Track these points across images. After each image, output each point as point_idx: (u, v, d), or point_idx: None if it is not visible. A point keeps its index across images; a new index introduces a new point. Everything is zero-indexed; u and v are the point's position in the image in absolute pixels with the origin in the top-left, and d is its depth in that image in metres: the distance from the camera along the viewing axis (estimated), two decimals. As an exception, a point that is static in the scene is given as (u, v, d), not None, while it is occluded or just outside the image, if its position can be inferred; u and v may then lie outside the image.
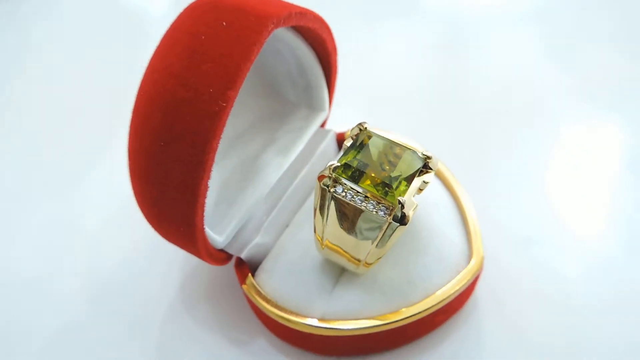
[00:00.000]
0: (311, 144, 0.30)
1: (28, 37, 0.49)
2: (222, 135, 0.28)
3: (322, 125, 0.32)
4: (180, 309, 0.28)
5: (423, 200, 0.27)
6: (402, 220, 0.20)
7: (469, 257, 0.25)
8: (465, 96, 0.40)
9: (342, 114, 0.36)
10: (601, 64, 0.41)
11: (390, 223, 0.20)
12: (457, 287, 0.24)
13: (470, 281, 0.25)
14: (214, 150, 0.19)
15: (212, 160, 0.19)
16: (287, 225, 0.27)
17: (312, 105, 0.31)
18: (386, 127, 0.37)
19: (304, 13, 0.22)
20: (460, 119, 0.38)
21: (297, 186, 0.28)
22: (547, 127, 0.37)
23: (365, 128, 0.22)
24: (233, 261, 0.27)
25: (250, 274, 0.25)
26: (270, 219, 0.27)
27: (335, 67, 0.30)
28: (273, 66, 0.29)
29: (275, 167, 0.28)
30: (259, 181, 0.27)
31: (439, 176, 0.29)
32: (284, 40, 0.26)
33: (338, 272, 0.25)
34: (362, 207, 0.20)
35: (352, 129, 0.23)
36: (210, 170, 0.20)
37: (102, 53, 0.47)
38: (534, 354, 0.25)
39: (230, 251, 0.25)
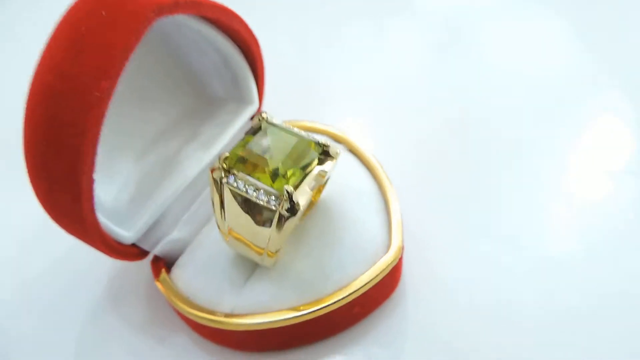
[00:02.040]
0: (238, 137, 0.29)
1: None
2: (143, 132, 0.28)
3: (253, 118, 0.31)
4: (106, 308, 0.28)
5: (344, 188, 0.27)
6: (292, 210, 0.19)
7: (388, 247, 0.25)
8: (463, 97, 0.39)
9: (344, 110, 0.37)
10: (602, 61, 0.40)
11: (280, 213, 0.20)
12: (372, 278, 0.24)
13: (387, 271, 0.24)
14: (93, 142, 0.19)
15: (93, 152, 0.19)
16: (208, 220, 0.27)
17: (240, 98, 0.30)
18: (386, 122, 0.37)
19: (198, 2, 0.22)
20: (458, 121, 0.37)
21: (220, 180, 0.28)
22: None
23: (265, 118, 0.22)
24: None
25: (164, 270, 0.25)
26: (189, 214, 0.26)
27: (260, 58, 0.29)
28: (197, 61, 0.29)
29: (195, 161, 0.27)
30: (177, 176, 0.27)
31: (367, 166, 0.29)
32: (200, 33, 0.26)
33: (251, 268, 0.24)
34: (253, 198, 0.20)
35: (253, 118, 0.22)
36: (92, 164, 0.19)
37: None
38: (454, 350, 0.25)
39: (144, 246, 0.25)
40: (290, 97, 0.37)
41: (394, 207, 0.26)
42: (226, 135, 0.29)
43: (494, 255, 0.28)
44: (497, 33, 0.44)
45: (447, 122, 0.37)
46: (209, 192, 0.27)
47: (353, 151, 0.30)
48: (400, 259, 0.25)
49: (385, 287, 0.25)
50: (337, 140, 0.30)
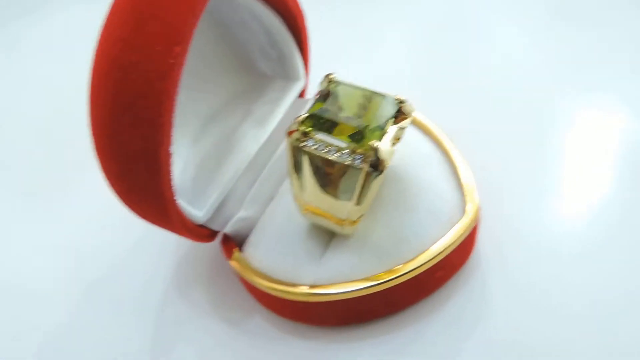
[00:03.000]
0: (290, 114, 0.29)
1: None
2: (197, 114, 0.28)
3: (302, 94, 0.31)
4: (175, 295, 0.27)
5: (411, 156, 0.26)
6: (378, 166, 0.19)
7: (463, 210, 0.24)
8: (470, 73, 0.38)
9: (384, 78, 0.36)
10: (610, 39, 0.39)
11: (366, 171, 0.19)
12: (453, 240, 0.23)
13: (466, 234, 0.23)
14: (170, 111, 0.18)
15: (170, 123, 0.19)
16: (272, 197, 0.26)
17: (287, 76, 0.30)
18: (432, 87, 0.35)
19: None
20: (465, 95, 0.36)
21: (278, 157, 0.27)
22: (549, 99, 0.35)
23: (333, 79, 0.21)
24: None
25: (236, 249, 0.24)
26: (253, 191, 0.26)
27: (305, 32, 0.29)
28: (243, 40, 0.28)
29: (253, 139, 0.27)
30: (237, 155, 0.26)
31: (428, 133, 0.28)
32: (247, 8, 0.25)
33: (328, 237, 0.24)
34: (336, 158, 0.19)
35: (322, 81, 0.21)
36: (170, 135, 0.19)
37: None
38: (539, 309, 0.24)
39: (214, 227, 0.24)
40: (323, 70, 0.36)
41: (462, 170, 0.25)
42: (278, 112, 0.28)
43: (569, 211, 0.27)
44: (500, 13, 0.43)
45: (452, 98, 0.36)
46: (269, 170, 0.27)
47: (413, 122, 0.29)
48: (478, 221, 0.24)
49: (464, 249, 0.24)
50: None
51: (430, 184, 0.25)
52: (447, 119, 0.30)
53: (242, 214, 0.25)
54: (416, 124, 0.28)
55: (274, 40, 0.28)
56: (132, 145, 0.19)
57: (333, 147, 0.19)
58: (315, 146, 0.19)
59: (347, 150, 0.19)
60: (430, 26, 0.42)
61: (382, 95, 0.21)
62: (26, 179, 0.36)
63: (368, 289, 0.22)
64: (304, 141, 0.20)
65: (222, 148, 0.26)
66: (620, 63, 0.36)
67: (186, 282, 0.28)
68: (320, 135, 0.20)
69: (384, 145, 0.19)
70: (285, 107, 0.29)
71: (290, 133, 0.20)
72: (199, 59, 0.27)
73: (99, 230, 0.31)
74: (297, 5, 0.27)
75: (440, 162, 0.26)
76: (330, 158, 0.19)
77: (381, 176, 0.19)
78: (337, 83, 0.21)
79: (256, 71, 0.30)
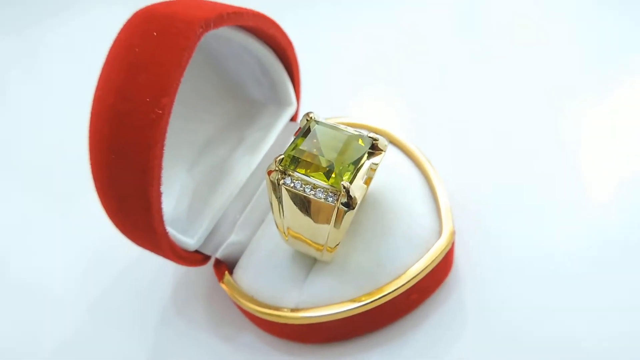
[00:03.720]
0: (281, 139, 0.30)
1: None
2: (193, 142, 0.30)
3: (294, 118, 0.32)
4: (173, 313, 0.30)
5: (391, 180, 0.27)
6: (349, 204, 0.20)
7: (439, 233, 0.25)
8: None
9: (368, 100, 0.38)
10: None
11: (338, 208, 0.20)
12: (427, 264, 0.24)
13: (441, 257, 0.24)
14: (158, 157, 0.20)
15: (159, 167, 0.20)
16: (262, 221, 0.28)
17: (279, 102, 0.31)
18: (415, 109, 0.37)
19: (239, 13, 0.23)
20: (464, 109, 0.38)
21: (269, 182, 0.29)
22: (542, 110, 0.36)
23: (312, 118, 0.23)
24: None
25: (227, 272, 0.26)
26: (244, 216, 0.27)
27: (295, 60, 0.30)
28: (236, 69, 0.30)
29: (245, 166, 0.28)
30: (229, 181, 0.28)
31: (409, 155, 0.29)
32: (238, 43, 0.27)
33: (310, 263, 0.25)
34: (311, 196, 0.21)
35: (301, 119, 0.23)
36: (159, 177, 0.21)
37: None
38: (514, 329, 0.25)
39: (206, 252, 0.26)
40: (311, 94, 0.38)
41: (440, 193, 0.27)
42: (270, 138, 0.30)
43: (545, 231, 0.29)
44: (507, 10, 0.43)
45: (478, 100, 0.37)
46: (260, 195, 0.28)
47: (393, 142, 0.30)
48: (453, 244, 0.26)
49: (440, 272, 0.26)
50: (377, 133, 0.30)
51: (407, 209, 0.26)
52: (428, 141, 0.32)
53: (233, 238, 0.27)
54: (399, 146, 0.30)
55: (265, 69, 0.30)
56: (125, 186, 0.21)
57: (309, 184, 0.21)
58: (292, 184, 0.21)
59: (322, 188, 0.21)
60: (413, 51, 0.43)
61: (357, 134, 0.22)
62: (50, 181, 0.38)
63: (346, 312, 0.23)
64: (282, 179, 0.21)
65: (215, 175, 0.28)
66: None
67: (183, 300, 0.30)
68: (298, 174, 0.21)
69: (355, 183, 0.21)
70: (276, 133, 0.30)
71: (269, 172, 0.21)
72: (194, 90, 0.29)
73: (101, 249, 0.33)
74: (286, 38, 0.28)
75: (420, 185, 0.27)
76: (306, 195, 0.21)
77: (352, 212, 0.20)
78: (316, 122, 0.23)
79: (249, 98, 0.31)
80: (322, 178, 0.21)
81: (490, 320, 0.26)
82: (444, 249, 0.25)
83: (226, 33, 0.25)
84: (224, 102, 0.31)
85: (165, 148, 0.27)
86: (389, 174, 0.27)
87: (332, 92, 0.41)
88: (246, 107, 0.31)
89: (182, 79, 0.27)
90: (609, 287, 0.26)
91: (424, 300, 0.26)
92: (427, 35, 0.44)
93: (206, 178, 0.28)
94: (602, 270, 0.27)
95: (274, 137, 0.30)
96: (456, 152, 0.34)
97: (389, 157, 0.29)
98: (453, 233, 0.25)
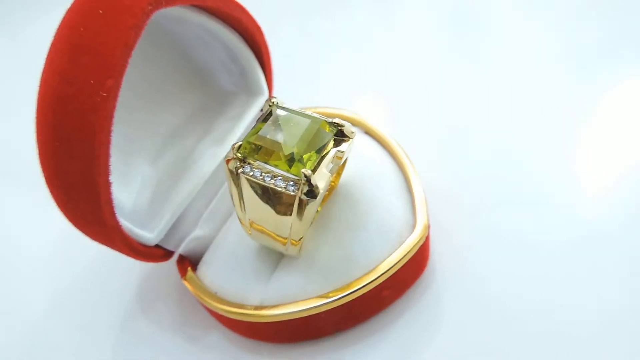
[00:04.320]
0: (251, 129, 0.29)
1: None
2: (156, 133, 0.28)
3: (265, 109, 0.31)
4: (137, 313, 0.28)
5: (365, 171, 0.26)
6: (311, 193, 0.19)
7: (413, 227, 0.24)
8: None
9: (353, 92, 0.37)
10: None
11: (300, 198, 0.19)
12: (400, 258, 0.23)
13: (414, 251, 0.23)
14: (104, 144, 0.19)
15: (106, 155, 0.19)
16: (229, 215, 0.27)
17: (250, 91, 0.30)
18: (396, 102, 0.36)
19: (196, -8, 0.21)
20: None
21: (237, 174, 0.27)
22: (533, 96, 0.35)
23: (275, 103, 0.21)
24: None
25: (190, 268, 0.25)
26: (209, 210, 0.26)
27: (265, 47, 0.29)
28: (203, 57, 0.29)
29: (210, 157, 0.27)
30: (193, 174, 0.26)
31: (386, 147, 0.28)
32: (201, 26, 0.25)
33: (277, 258, 0.24)
34: (271, 185, 0.19)
35: (264, 105, 0.22)
36: (106, 165, 0.19)
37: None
38: (492, 321, 0.24)
39: (168, 247, 0.25)
40: (296, 84, 0.37)
41: (415, 186, 0.25)
42: (239, 129, 0.28)
43: (521, 226, 0.27)
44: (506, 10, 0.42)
45: (462, 96, 0.36)
46: (227, 188, 0.27)
47: (369, 133, 0.29)
48: (427, 238, 0.24)
49: (413, 267, 0.25)
50: (352, 123, 0.29)
51: (381, 200, 0.25)
52: (407, 134, 0.30)
53: (197, 233, 0.25)
54: (374, 137, 0.28)
55: (233, 55, 0.28)
56: (72, 176, 0.19)
57: (269, 173, 0.20)
58: (252, 173, 0.20)
59: (282, 177, 0.19)
60: (390, 43, 0.42)
61: (322, 120, 0.21)
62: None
63: (314, 309, 0.22)
64: (241, 167, 0.20)
65: (179, 167, 0.27)
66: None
67: (150, 299, 0.28)
68: (258, 162, 0.20)
69: (319, 172, 0.20)
70: (246, 123, 0.29)
71: (228, 161, 0.20)
72: (156, 79, 0.27)
73: (68, 246, 0.32)
74: (253, 22, 0.27)
75: (395, 177, 0.26)
76: (266, 185, 0.19)
77: (314, 202, 0.19)
78: (278, 107, 0.21)
79: (218, 87, 0.30)
80: (283, 166, 0.20)
81: (469, 315, 0.24)
82: (417, 243, 0.23)
83: (186, 15, 0.23)
84: (191, 91, 0.29)
85: (125, 141, 0.26)
86: (362, 165, 0.26)
87: (310, 83, 0.39)
88: (215, 96, 0.30)
89: (143, 68, 0.26)
90: (592, 279, 0.25)
91: (398, 297, 0.25)
92: (413, 30, 0.42)
93: (170, 171, 0.27)
94: (584, 262, 0.26)
95: (243, 128, 0.29)
96: (436, 146, 0.32)
97: (363, 148, 0.28)
98: (427, 226, 0.24)
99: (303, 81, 0.38)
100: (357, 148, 0.27)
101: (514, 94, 0.35)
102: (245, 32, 0.27)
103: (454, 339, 0.24)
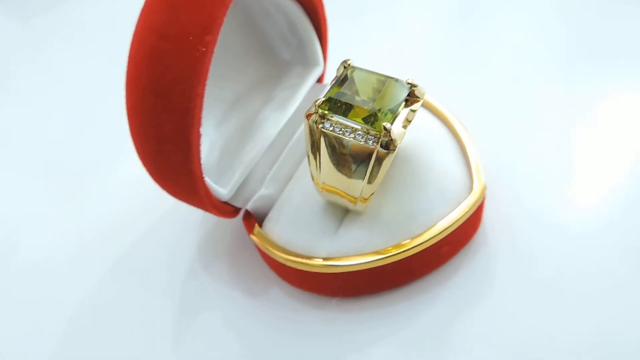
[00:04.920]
0: (309, 98, 0.30)
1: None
2: (221, 99, 0.30)
3: (320, 80, 0.32)
4: (199, 268, 0.30)
5: (423, 139, 0.27)
6: (389, 146, 0.20)
7: (470, 188, 0.25)
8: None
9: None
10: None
11: (378, 151, 0.20)
12: (458, 217, 0.24)
13: (472, 211, 0.25)
14: (200, 96, 0.20)
15: (200, 106, 0.20)
16: (291, 177, 0.28)
17: (306, 62, 0.31)
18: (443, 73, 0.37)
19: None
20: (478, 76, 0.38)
21: (297, 139, 0.29)
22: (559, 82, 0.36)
23: (349, 64, 0.23)
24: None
25: (257, 225, 0.26)
26: (273, 171, 0.28)
27: (324, 20, 0.30)
28: (265, 28, 0.30)
29: (274, 122, 0.28)
30: (259, 137, 0.28)
31: (439, 116, 0.29)
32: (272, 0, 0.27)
33: (342, 214, 0.26)
34: (351, 139, 0.21)
35: (339, 67, 0.23)
36: (200, 117, 0.21)
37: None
38: (544, 285, 0.25)
39: (236, 204, 0.26)
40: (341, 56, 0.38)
41: (470, 151, 0.27)
42: (298, 97, 0.30)
43: (575, 193, 0.29)
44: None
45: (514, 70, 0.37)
46: (289, 151, 0.29)
47: (425, 105, 0.30)
48: (484, 199, 0.26)
49: (470, 226, 0.26)
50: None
51: (439, 165, 0.26)
52: (460, 103, 0.32)
53: (262, 192, 0.27)
54: (429, 108, 0.30)
55: (294, 28, 0.30)
56: (165, 127, 0.21)
57: (348, 128, 0.21)
58: (332, 128, 0.21)
59: (361, 131, 0.21)
60: (446, 13, 0.43)
61: (395, 80, 0.22)
62: (64, 159, 0.39)
63: (377, 262, 0.24)
64: (321, 123, 0.21)
65: (244, 131, 0.28)
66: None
67: (210, 257, 0.30)
68: (337, 118, 0.21)
69: (395, 127, 0.21)
70: (304, 92, 0.30)
71: (308, 116, 0.21)
72: (224, 47, 0.28)
73: (128, 208, 0.34)
74: None
75: (451, 144, 0.28)
76: (346, 138, 0.21)
77: (392, 155, 0.21)
78: (354, 68, 0.23)
79: (277, 58, 0.31)
80: (360, 122, 0.21)
81: (519, 275, 0.26)
82: (474, 203, 0.25)
83: (261, -16, 0.25)
84: (254, 60, 0.30)
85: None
86: (418, 133, 0.27)
87: (362, 55, 0.41)
88: (274, 66, 0.31)
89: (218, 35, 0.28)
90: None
91: (454, 255, 0.26)
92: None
93: (236, 134, 0.28)
94: (628, 231, 0.27)
95: (301, 96, 0.30)
96: (489, 118, 0.33)
97: (420, 118, 0.29)
98: (484, 188, 0.25)
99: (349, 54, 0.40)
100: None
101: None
102: (310, 5, 0.28)
103: (506, 293, 0.25)
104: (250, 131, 0.28)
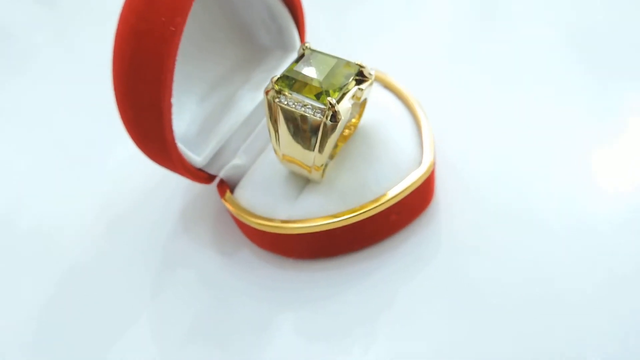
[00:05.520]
0: (285, 80, 0.33)
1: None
2: (204, 79, 0.33)
3: (297, 64, 0.35)
4: (181, 231, 0.33)
5: (382, 117, 0.30)
6: (333, 118, 0.23)
7: (420, 163, 0.28)
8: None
9: (381, 51, 0.40)
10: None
11: (324, 122, 0.23)
12: (406, 187, 0.27)
13: (419, 183, 0.27)
14: (170, 70, 0.23)
15: (171, 79, 0.23)
16: (263, 150, 0.31)
17: (285, 47, 0.34)
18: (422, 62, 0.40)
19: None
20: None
21: (271, 117, 0.32)
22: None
23: (307, 46, 0.25)
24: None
25: (228, 191, 0.29)
26: (247, 144, 0.30)
27: (300, 7, 0.33)
28: (246, 15, 0.33)
29: (250, 100, 0.31)
30: (235, 112, 0.31)
31: (402, 99, 0.32)
32: (248, -14, 0.30)
33: (303, 183, 0.28)
34: (302, 112, 0.24)
35: (298, 49, 0.26)
36: (170, 88, 0.24)
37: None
38: (489, 258, 0.28)
39: (211, 171, 0.29)
40: (324, 42, 0.40)
41: (425, 129, 0.29)
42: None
43: (523, 169, 0.31)
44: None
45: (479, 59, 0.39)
46: (262, 127, 0.31)
47: (388, 87, 0.33)
48: (432, 173, 0.28)
49: (419, 198, 0.28)
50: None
51: (394, 141, 0.29)
52: (424, 88, 0.34)
53: (235, 161, 0.30)
54: (392, 89, 0.32)
55: (273, 14, 0.32)
56: (142, 97, 0.24)
57: (300, 102, 0.24)
58: (286, 102, 0.24)
59: (311, 106, 0.23)
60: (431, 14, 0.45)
61: (346, 61, 0.25)
62: (74, 137, 0.42)
63: (329, 225, 0.26)
64: (277, 98, 0.24)
65: (223, 108, 0.31)
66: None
67: (192, 220, 0.33)
68: (292, 93, 0.24)
69: (343, 103, 0.24)
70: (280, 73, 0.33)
71: (267, 92, 0.24)
72: (206, 32, 0.31)
73: (122, 179, 0.37)
74: None
75: (408, 123, 0.30)
76: (298, 111, 0.24)
77: (338, 125, 0.23)
78: (311, 51, 0.25)
79: (257, 43, 0.34)
80: (312, 97, 0.24)
81: (462, 247, 0.28)
82: (422, 176, 0.27)
83: (237, -26, 0.28)
84: (234, 45, 0.33)
85: (179, 81, 0.30)
86: (380, 112, 0.30)
87: (337, 39, 0.43)
88: (254, 51, 0.34)
89: (196, 22, 0.31)
90: (587, 238, 0.28)
91: (405, 225, 0.29)
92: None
93: (214, 110, 0.31)
94: (579, 223, 0.29)
95: (278, 78, 0.33)
96: (454, 106, 0.36)
97: (381, 99, 0.31)
98: (433, 163, 0.28)
99: (331, 40, 0.42)
100: (376, 99, 0.31)
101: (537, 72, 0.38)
102: (285, -6, 0.31)
103: (448, 264, 0.28)
104: (228, 108, 0.31)
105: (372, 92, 0.32)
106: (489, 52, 0.40)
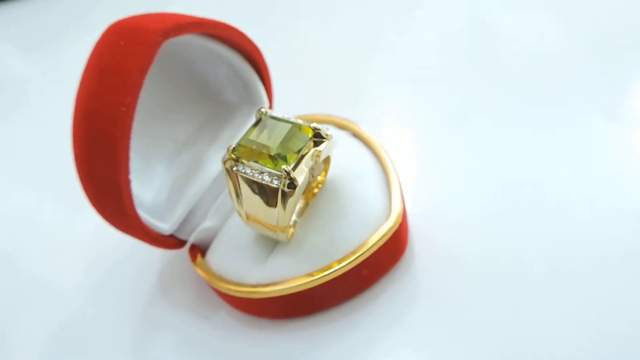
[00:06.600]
0: (253, 136, 0.33)
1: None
2: (173, 140, 0.33)
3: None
4: (159, 294, 0.33)
5: (349, 168, 0.30)
6: (291, 185, 0.23)
7: (389, 214, 0.28)
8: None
9: (357, 101, 0.41)
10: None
11: (281, 190, 0.23)
12: (375, 241, 0.26)
13: (388, 236, 0.27)
14: (124, 148, 0.23)
15: (126, 157, 0.23)
16: (234, 210, 0.31)
17: (252, 102, 0.34)
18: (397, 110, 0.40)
19: (199, 22, 0.26)
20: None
21: (240, 175, 0.32)
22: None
23: (264, 112, 0.25)
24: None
25: (200, 255, 0.29)
26: (216, 205, 0.30)
27: (264, 63, 0.33)
28: (210, 74, 0.33)
29: (217, 160, 0.31)
30: (203, 174, 0.31)
31: (371, 148, 0.32)
32: (207, 49, 0.30)
33: (272, 245, 0.28)
34: (259, 180, 0.23)
35: (255, 114, 0.26)
36: (127, 166, 0.24)
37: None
38: (468, 306, 0.27)
39: (181, 236, 0.29)
40: (296, 93, 0.41)
41: (393, 180, 0.29)
42: (240, 136, 0.32)
43: (500, 215, 0.30)
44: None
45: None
46: (231, 186, 0.31)
47: (357, 135, 0.32)
48: (402, 224, 0.28)
49: (390, 251, 0.28)
50: (341, 127, 0.33)
51: (361, 193, 0.28)
52: (396, 135, 0.34)
53: (205, 224, 0.30)
54: (361, 138, 0.32)
55: (237, 72, 0.33)
56: (100, 175, 0.24)
57: (258, 170, 0.24)
58: (244, 170, 0.24)
59: (268, 173, 0.23)
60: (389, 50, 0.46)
61: (301, 124, 0.25)
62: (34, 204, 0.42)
63: (300, 286, 0.26)
64: (235, 166, 0.24)
65: (191, 170, 0.31)
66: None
67: (169, 283, 0.33)
68: (249, 162, 0.24)
69: (299, 167, 0.23)
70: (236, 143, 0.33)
71: (225, 162, 0.24)
72: (169, 94, 0.32)
73: (101, 241, 0.37)
74: (250, 43, 0.31)
75: (376, 172, 0.30)
76: (255, 180, 0.24)
77: (296, 191, 0.23)
78: (267, 116, 0.25)
79: (223, 100, 0.34)
80: (269, 164, 0.24)
81: (437, 302, 0.28)
82: (391, 228, 0.27)
83: (193, 41, 0.28)
84: (200, 104, 0.34)
85: (145, 148, 0.31)
86: (347, 163, 0.30)
87: (307, 91, 0.44)
88: (221, 108, 0.34)
89: (159, 85, 0.31)
90: (573, 298, 0.27)
91: (379, 278, 0.29)
92: (402, 35, 0.46)
93: (183, 173, 0.31)
94: (565, 273, 0.28)
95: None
96: (423, 153, 0.36)
97: (350, 148, 0.31)
98: (401, 214, 0.27)
99: (303, 90, 0.42)
100: (345, 149, 0.31)
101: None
102: (247, 54, 0.31)
103: (428, 315, 0.27)
104: (196, 169, 0.31)
105: (342, 143, 0.32)
106: (464, 97, 0.40)
